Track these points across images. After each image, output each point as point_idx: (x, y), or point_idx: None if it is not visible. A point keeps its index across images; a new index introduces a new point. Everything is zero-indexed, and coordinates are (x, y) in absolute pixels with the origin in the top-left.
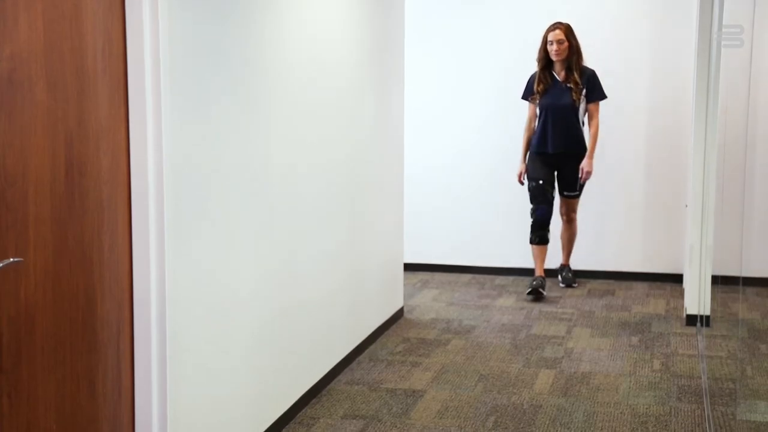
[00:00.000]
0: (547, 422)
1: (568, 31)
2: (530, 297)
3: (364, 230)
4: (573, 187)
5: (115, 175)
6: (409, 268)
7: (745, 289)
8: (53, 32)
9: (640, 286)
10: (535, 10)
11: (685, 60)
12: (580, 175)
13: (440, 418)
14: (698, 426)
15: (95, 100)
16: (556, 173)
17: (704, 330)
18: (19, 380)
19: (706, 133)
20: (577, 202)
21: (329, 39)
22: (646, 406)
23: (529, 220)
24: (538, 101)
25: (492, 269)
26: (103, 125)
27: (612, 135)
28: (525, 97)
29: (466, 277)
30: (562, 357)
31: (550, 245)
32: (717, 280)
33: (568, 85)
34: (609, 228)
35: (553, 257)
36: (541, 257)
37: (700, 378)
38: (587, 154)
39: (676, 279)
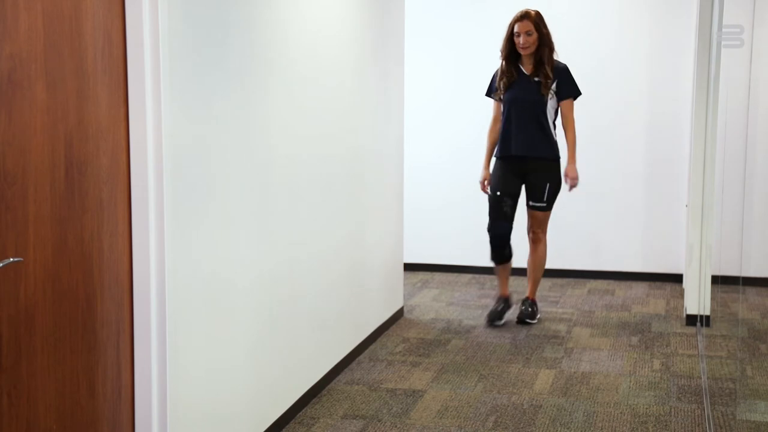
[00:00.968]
0: (547, 422)
1: (537, 19)
2: (485, 324)
3: (364, 230)
4: (540, 197)
5: (115, 174)
6: (409, 268)
7: (745, 289)
8: (53, 32)
9: (640, 286)
10: (534, 8)
11: (685, 60)
12: (557, 186)
13: (440, 418)
14: (698, 426)
15: (95, 99)
16: (522, 183)
17: (704, 330)
18: (18, 379)
19: (706, 133)
20: (547, 217)
21: (329, 37)
22: (646, 406)
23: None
24: (502, 90)
25: (492, 269)
26: (103, 125)
27: (612, 135)
28: (489, 93)
29: (466, 277)
30: (562, 357)
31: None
32: (717, 280)
33: (536, 79)
34: (609, 228)
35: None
36: (504, 274)
37: (700, 378)
38: (569, 158)
39: (676, 279)
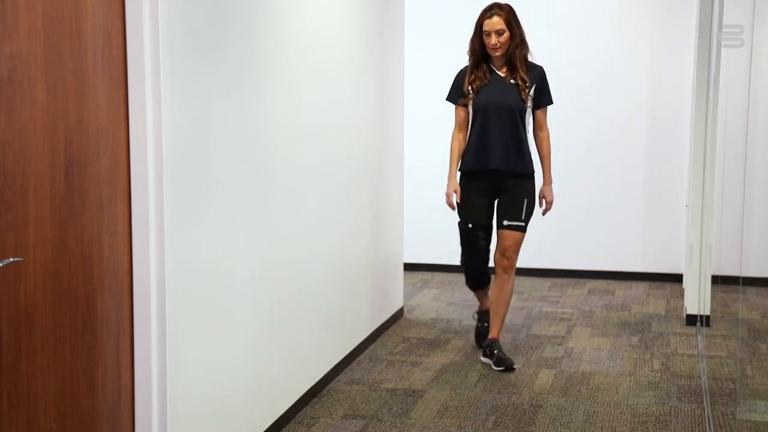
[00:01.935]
0: (547, 422)
1: (509, 16)
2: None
3: (364, 230)
4: (518, 215)
5: (115, 174)
6: (409, 268)
7: (745, 289)
8: (53, 32)
9: (640, 286)
10: (534, 9)
11: (685, 60)
12: (533, 203)
13: (440, 418)
14: (698, 426)
15: (95, 99)
16: (493, 204)
17: (704, 330)
18: (18, 379)
19: (706, 133)
20: (522, 239)
21: (329, 38)
22: (646, 406)
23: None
24: (472, 102)
25: (492, 269)
26: (103, 125)
27: (612, 135)
28: (452, 99)
29: None
30: (562, 357)
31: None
32: (717, 280)
33: (512, 81)
34: (609, 228)
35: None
36: (482, 293)
37: (700, 378)
38: (545, 178)
39: (676, 279)
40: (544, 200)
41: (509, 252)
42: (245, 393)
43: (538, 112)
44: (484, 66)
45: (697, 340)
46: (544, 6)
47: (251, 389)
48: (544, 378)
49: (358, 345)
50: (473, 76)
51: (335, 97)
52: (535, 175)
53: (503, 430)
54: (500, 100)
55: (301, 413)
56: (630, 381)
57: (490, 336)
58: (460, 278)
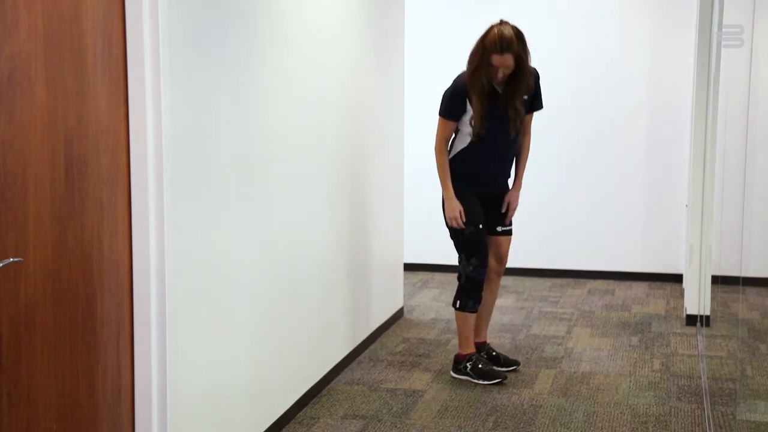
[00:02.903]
0: (547, 422)
1: (520, 49)
2: (497, 381)
3: (364, 230)
4: (509, 220)
5: (115, 174)
6: (409, 268)
7: (745, 289)
8: (53, 32)
9: (640, 286)
10: (535, 9)
11: (685, 60)
12: (502, 209)
13: (440, 418)
14: (698, 426)
15: (95, 99)
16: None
17: (704, 330)
18: (18, 379)
19: (706, 133)
20: (511, 241)
21: (330, 38)
22: (646, 406)
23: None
24: (480, 128)
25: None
26: (103, 125)
27: (612, 135)
28: (452, 116)
29: None
30: (562, 357)
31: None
32: (717, 280)
33: (510, 110)
34: (609, 228)
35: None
36: (473, 325)
37: (700, 378)
38: (517, 182)
39: (676, 279)
40: (509, 205)
41: (505, 257)
42: (245, 393)
43: (527, 117)
44: (489, 94)
45: (697, 340)
46: (544, 6)
47: (251, 389)
48: (544, 378)
49: (358, 345)
50: (481, 96)
51: (335, 98)
52: None
53: (503, 430)
54: (505, 131)
55: (301, 413)
56: (630, 381)
57: (480, 340)
58: None
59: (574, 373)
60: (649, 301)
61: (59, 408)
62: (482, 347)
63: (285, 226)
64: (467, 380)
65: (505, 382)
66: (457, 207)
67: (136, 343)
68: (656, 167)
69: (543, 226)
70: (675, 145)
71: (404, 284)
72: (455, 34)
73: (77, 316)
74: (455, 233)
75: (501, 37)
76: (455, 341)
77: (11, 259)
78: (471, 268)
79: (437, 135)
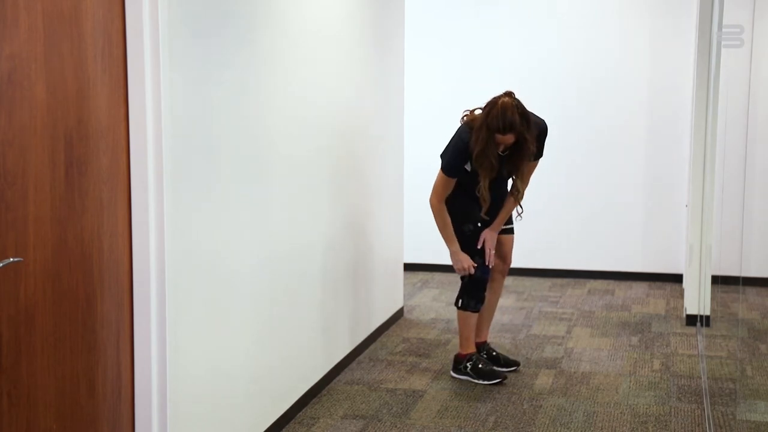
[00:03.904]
0: (547, 422)
1: (521, 124)
2: (497, 381)
3: (364, 230)
4: (509, 220)
5: (115, 174)
6: (409, 268)
7: (745, 289)
8: (53, 32)
9: (640, 286)
10: (535, 8)
11: (685, 60)
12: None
13: (440, 418)
14: (698, 426)
15: (95, 99)
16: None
17: (704, 330)
18: (18, 379)
19: (706, 133)
20: (514, 239)
21: (329, 38)
22: (646, 406)
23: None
24: (486, 198)
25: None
26: (103, 125)
27: (612, 135)
28: (453, 174)
29: None
30: (562, 357)
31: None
32: (717, 280)
33: (515, 167)
34: (609, 228)
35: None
36: (475, 326)
37: (700, 378)
38: (495, 224)
39: (676, 279)
40: (484, 243)
41: (509, 256)
42: (245, 393)
43: (530, 165)
44: (492, 144)
45: (697, 340)
46: (544, 6)
47: (251, 389)
48: (544, 378)
49: (358, 345)
50: (488, 165)
51: (335, 98)
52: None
53: (503, 430)
54: (500, 190)
55: (301, 413)
56: (630, 381)
57: (481, 340)
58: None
59: (574, 373)
60: (649, 301)
61: (59, 408)
62: (482, 347)
63: (285, 226)
64: (467, 380)
65: (505, 382)
66: (465, 259)
67: (136, 343)
68: (656, 167)
69: (543, 226)
70: (675, 145)
71: (404, 284)
72: (455, 34)
73: (77, 316)
74: (458, 233)
75: (504, 118)
76: (455, 341)
77: (11, 259)
78: (475, 269)
79: (436, 190)
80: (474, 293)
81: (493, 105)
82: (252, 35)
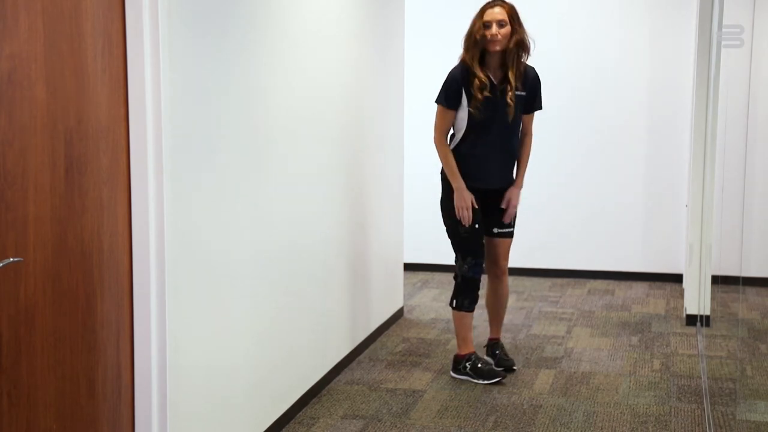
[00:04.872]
0: (547, 422)
1: (512, 11)
2: (496, 380)
3: (364, 230)
4: (508, 222)
5: (115, 174)
6: (409, 268)
7: (745, 289)
8: (53, 32)
9: (640, 286)
10: (535, 8)
11: (685, 60)
12: (503, 206)
13: (440, 418)
14: (698, 426)
15: (95, 99)
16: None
17: (704, 330)
18: (18, 379)
19: (706, 133)
20: (511, 244)
21: (329, 37)
22: (646, 406)
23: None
24: (478, 113)
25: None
26: (103, 125)
27: (612, 135)
28: (448, 103)
29: None
30: (562, 357)
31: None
32: (717, 280)
33: (507, 96)
34: (609, 228)
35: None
36: (471, 325)
37: (700, 378)
38: (518, 181)
39: (676, 279)
40: (509, 203)
41: (502, 259)
42: (245, 393)
43: (527, 117)
44: (484, 72)
45: (697, 340)
46: (544, 6)
47: (251, 389)
48: (544, 378)
49: (358, 345)
50: (477, 81)
51: (335, 98)
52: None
53: (503, 430)
54: (497, 117)
55: (301, 413)
56: (630, 381)
57: (492, 336)
58: None
59: (574, 373)
60: (649, 301)
61: (59, 408)
62: (493, 344)
63: (285, 227)
64: (467, 380)
65: (504, 381)
66: (468, 197)
67: (136, 343)
68: (656, 167)
69: (543, 226)
70: (675, 145)
71: (404, 284)
72: (455, 34)
73: (77, 316)
74: (451, 232)
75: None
76: (455, 341)
77: (11, 259)
78: (466, 267)
79: (436, 127)
80: (466, 293)
81: None
82: (252, 35)
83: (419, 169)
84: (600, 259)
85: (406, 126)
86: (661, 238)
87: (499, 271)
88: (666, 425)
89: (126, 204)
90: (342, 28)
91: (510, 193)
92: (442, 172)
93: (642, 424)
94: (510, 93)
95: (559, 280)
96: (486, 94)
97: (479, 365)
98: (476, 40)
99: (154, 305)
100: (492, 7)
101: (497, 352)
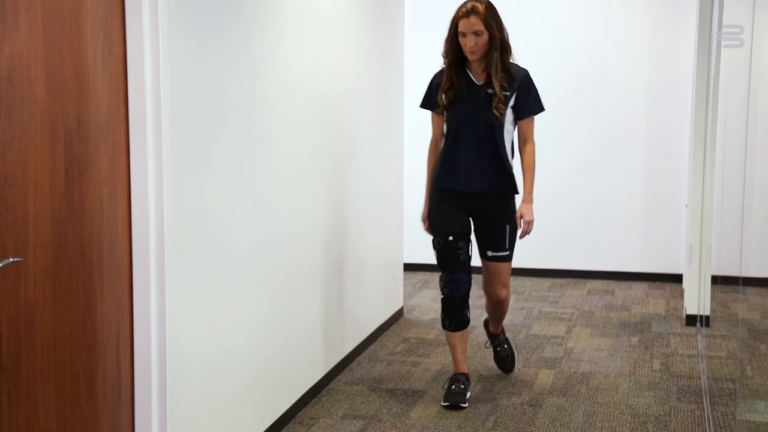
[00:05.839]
0: (547, 422)
1: (488, 15)
2: (446, 406)
3: (364, 230)
4: (501, 244)
5: (115, 174)
6: (409, 268)
7: (745, 289)
8: (53, 32)
9: (640, 286)
10: (535, 8)
11: (685, 60)
12: (517, 226)
13: (440, 418)
14: (698, 426)
15: (95, 99)
16: (472, 221)
17: (704, 330)
18: (18, 380)
19: (706, 133)
20: (510, 269)
21: (329, 36)
22: (646, 406)
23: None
24: (450, 115)
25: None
26: (103, 125)
27: (612, 135)
28: (428, 105)
29: None
30: (562, 357)
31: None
32: (717, 280)
33: (489, 91)
34: (609, 228)
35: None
36: (461, 346)
37: (700, 378)
38: (525, 195)
39: (676, 279)
40: (521, 220)
41: (497, 285)
42: (245, 393)
43: (523, 122)
44: (460, 72)
45: (696, 340)
46: (543, 6)
47: (251, 389)
48: (544, 378)
49: (358, 345)
50: (448, 84)
51: (335, 98)
52: (518, 192)
53: (503, 430)
54: (475, 115)
55: (301, 413)
56: (630, 381)
57: (492, 331)
58: None
59: (574, 373)
60: (649, 301)
61: (59, 408)
62: (495, 339)
63: (285, 227)
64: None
65: (462, 406)
66: (423, 210)
67: (136, 343)
68: (656, 167)
69: (543, 226)
70: (675, 145)
71: (404, 284)
72: None
73: (77, 316)
74: (432, 245)
75: (466, 3)
76: None
77: (11, 259)
78: (442, 283)
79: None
80: (446, 311)
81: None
82: (252, 34)
83: (419, 168)
84: (600, 260)
85: (405, 125)
86: (660, 238)
87: (495, 298)
88: (666, 425)
89: (126, 204)
90: (342, 27)
91: (520, 209)
92: None
93: (642, 424)
94: (489, 90)
95: (558, 281)
96: (453, 94)
97: (452, 386)
98: (450, 51)
99: (154, 305)
100: (466, 16)
101: (498, 349)
